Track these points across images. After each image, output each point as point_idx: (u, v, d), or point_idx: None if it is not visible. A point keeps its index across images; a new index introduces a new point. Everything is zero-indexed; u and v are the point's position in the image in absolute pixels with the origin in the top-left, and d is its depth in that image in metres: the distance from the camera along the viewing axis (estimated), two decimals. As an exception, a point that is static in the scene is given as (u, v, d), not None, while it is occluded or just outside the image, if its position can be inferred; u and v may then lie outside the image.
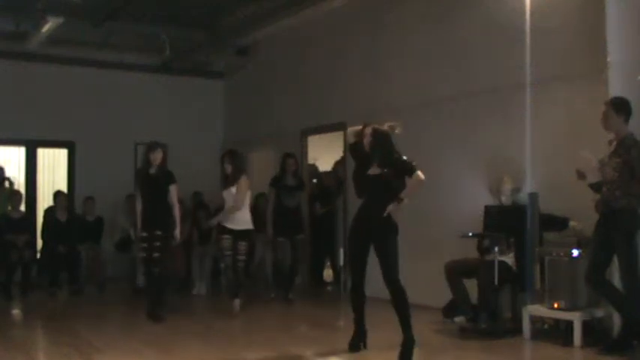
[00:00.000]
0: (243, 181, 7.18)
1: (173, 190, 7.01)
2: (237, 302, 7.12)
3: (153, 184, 6.99)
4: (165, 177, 7.03)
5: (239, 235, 7.17)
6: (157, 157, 6.98)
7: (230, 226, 7.17)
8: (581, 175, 5.33)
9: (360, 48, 8.77)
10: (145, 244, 6.98)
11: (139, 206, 7.06)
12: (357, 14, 8.78)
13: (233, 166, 7.20)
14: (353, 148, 5.52)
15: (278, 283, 8.51)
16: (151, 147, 7.02)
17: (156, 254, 6.92)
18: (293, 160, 8.33)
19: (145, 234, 6.97)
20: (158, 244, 6.91)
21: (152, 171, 7.01)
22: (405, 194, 5.10)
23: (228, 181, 7.23)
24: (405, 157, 5.23)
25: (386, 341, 5.33)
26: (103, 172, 10.31)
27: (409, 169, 5.12)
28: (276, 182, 8.23)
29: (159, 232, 6.89)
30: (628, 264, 5.13)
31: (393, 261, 5.13)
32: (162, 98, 11.06)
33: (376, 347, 5.42)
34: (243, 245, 7.17)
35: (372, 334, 5.47)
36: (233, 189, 7.14)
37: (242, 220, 7.21)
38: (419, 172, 5.11)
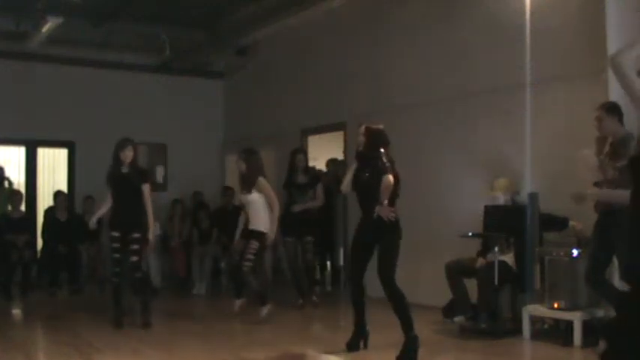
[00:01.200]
0: (264, 183, 6.87)
1: (146, 189, 6.60)
2: (237, 303, 7.06)
3: (126, 183, 6.59)
4: (138, 176, 6.64)
5: (251, 234, 6.86)
6: (127, 155, 6.58)
7: (250, 226, 6.92)
8: (578, 199, 5.26)
9: (360, 48, 8.77)
10: (117, 244, 6.57)
11: (104, 208, 6.79)
12: (357, 14, 8.79)
13: (247, 165, 6.92)
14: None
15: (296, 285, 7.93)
16: (121, 144, 6.63)
17: (134, 258, 6.56)
18: (302, 156, 7.89)
19: (116, 234, 6.56)
20: (136, 247, 6.55)
21: (124, 170, 6.61)
22: (381, 199, 5.09)
23: (243, 183, 6.96)
24: (385, 160, 5.17)
25: (386, 341, 5.33)
26: (103, 172, 10.22)
27: (382, 172, 5.11)
28: (287, 183, 7.83)
29: (136, 235, 6.52)
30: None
31: (386, 262, 5.11)
32: (162, 98, 11.06)
33: (376, 347, 5.41)
34: (253, 243, 6.78)
35: (373, 335, 5.47)
36: (249, 196, 6.84)
37: (256, 220, 6.87)
38: (388, 176, 5.09)
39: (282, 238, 7.91)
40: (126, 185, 6.61)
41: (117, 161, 6.64)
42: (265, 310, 6.78)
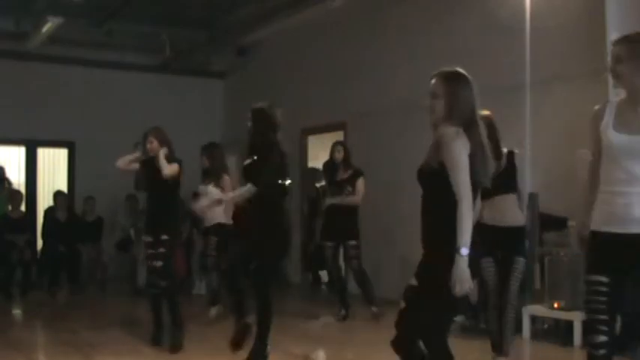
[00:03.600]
0: (228, 181, 6.76)
1: (172, 169, 5.71)
2: (212, 310, 6.97)
3: (151, 176, 5.81)
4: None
5: (210, 230, 6.93)
6: (148, 147, 5.82)
7: (206, 224, 7.01)
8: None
9: (359, 48, 8.77)
10: (152, 251, 5.73)
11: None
12: (357, 14, 8.78)
13: (211, 160, 6.92)
14: None
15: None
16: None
17: (158, 263, 5.68)
18: (340, 147, 7.04)
19: (149, 239, 5.77)
20: (162, 250, 5.67)
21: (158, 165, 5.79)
22: None
23: (207, 176, 6.94)
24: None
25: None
26: (103, 172, 10.28)
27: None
28: (329, 181, 7.20)
29: (164, 237, 5.66)
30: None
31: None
32: (162, 98, 11.04)
33: (371, 344, 5.41)
34: (212, 240, 6.87)
35: (368, 333, 5.44)
36: (210, 187, 6.75)
37: (212, 214, 6.76)
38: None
39: (322, 242, 7.23)
40: (151, 178, 5.82)
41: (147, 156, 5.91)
42: (214, 311, 6.85)
